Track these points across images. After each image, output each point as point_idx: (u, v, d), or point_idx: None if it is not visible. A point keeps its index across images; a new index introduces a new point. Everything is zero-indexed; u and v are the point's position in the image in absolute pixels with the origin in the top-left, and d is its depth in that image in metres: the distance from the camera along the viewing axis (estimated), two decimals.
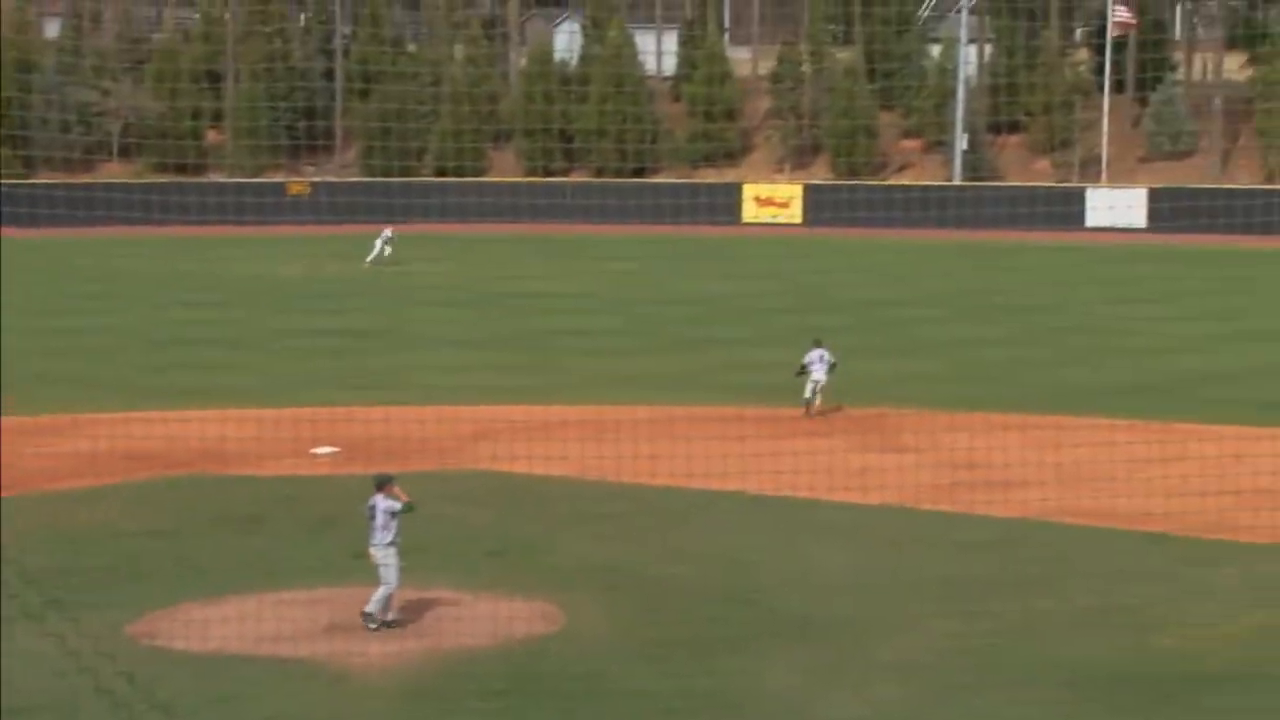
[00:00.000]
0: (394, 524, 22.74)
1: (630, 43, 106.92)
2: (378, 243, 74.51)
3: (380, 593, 22.70)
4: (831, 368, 38.75)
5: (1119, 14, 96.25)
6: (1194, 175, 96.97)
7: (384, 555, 22.71)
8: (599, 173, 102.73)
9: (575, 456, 32.92)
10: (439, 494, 30.82)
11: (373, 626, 22.58)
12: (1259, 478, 30.69)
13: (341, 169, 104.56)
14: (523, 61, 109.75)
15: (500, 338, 52.59)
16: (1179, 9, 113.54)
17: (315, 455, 34.11)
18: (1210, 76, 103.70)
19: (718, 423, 36.89)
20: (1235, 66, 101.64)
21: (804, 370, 38.90)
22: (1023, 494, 30.70)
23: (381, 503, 22.82)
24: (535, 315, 57.93)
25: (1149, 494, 29.61)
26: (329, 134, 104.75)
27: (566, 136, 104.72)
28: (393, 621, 22.79)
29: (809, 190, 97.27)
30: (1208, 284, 68.25)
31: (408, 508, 22.82)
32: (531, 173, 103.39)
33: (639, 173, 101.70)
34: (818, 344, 39.15)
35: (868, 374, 44.22)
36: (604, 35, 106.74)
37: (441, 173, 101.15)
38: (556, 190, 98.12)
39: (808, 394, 38.75)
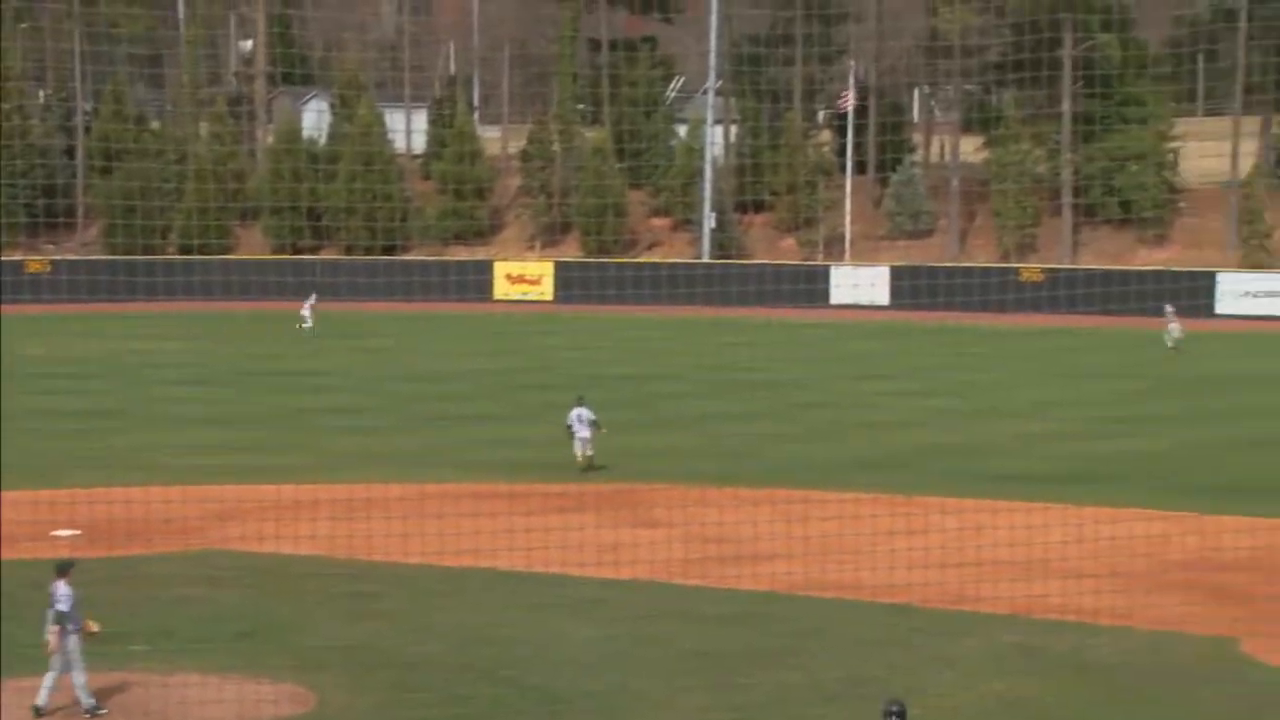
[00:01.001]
0: (70, 612, 22.28)
1: (379, 121, 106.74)
2: (305, 312, 77.33)
3: (47, 680, 22.26)
4: (594, 424, 41.38)
5: (845, 97, 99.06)
6: (933, 254, 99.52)
7: (62, 643, 22.26)
8: (349, 250, 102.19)
9: (325, 535, 32.62)
10: (185, 575, 30.35)
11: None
12: (998, 549, 31.50)
13: (83, 247, 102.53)
14: (270, 139, 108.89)
15: (250, 416, 51.91)
16: (917, 93, 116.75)
17: (56, 538, 33.31)
18: (948, 158, 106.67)
19: (470, 500, 36.84)
20: (971, 149, 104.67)
21: (570, 431, 41.55)
22: (771, 567, 31.13)
23: (60, 590, 22.38)
24: (285, 393, 57.31)
25: (893, 566, 30.23)
26: (70, 211, 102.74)
27: (315, 214, 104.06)
28: (95, 707, 22.29)
29: (560, 267, 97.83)
30: (947, 360, 69.99)
31: (59, 617, 22.27)
32: (279, 250, 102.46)
33: (389, 250, 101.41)
34: (580, 401, 41.91)
35: (619, 449, 44.47)
36: (353, 113, 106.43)
37: (187, 250, 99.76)
38: (305, 268, 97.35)
39: (578, 453, 41.36)
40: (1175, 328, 71.08)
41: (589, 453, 41.41)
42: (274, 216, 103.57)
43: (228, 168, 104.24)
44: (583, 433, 41.31)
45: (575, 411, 41.63)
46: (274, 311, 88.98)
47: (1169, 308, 72.76)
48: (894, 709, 17.89)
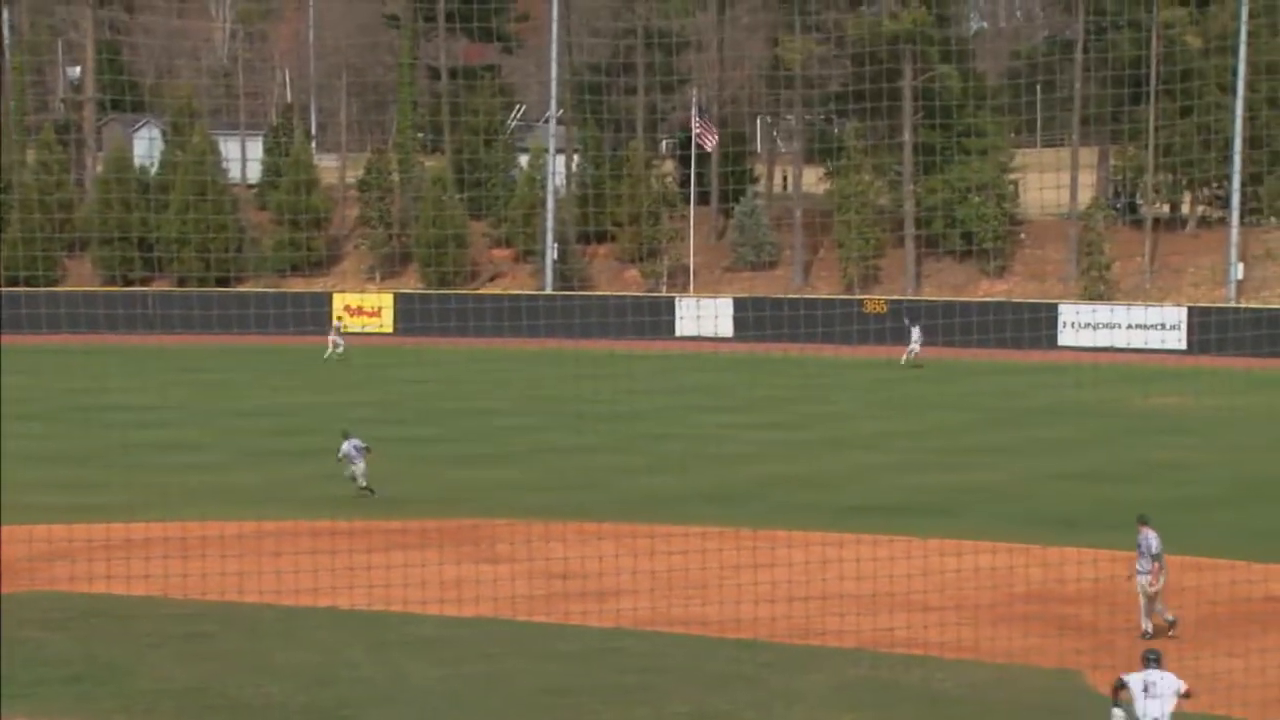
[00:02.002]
0: None
1: (213, 149, 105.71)
2: (336, 337, 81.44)
3: None
4: (366, 450, 43.19)
5: (699, 129, 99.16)
6: (777, 285, 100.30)
7: None
8: (182, 282, 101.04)
9: (160, 575, 32.15)
10: (15, 618, 29.76)
11: None
12: (844, 583, 31.76)
13: None
14: (99, 167, 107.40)
15: (79, 453, 51.10)
16: (759, 122, 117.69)
17: None
18: (790, 189, 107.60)
19: (309, 537, 36.51)
20: (814, 180, 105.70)
21: (347, 462, 43.24)
22: (618, 603, 31.15)
23: None
24: (117, 429, 56.38)
25: (740, 600, 30.36)
26: None
27: (147, 245, 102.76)
28: None
29: (400, 299, 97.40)
30: (792, 391, 70.52)
31: None
32: (110, 282, 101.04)
33: (224, 282, 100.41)
34: (346, 435, 43.61)
35: (462, 483, 44.34)
36: (185, 141, 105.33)
37: (13, 282, 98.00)
38: (137, 300, 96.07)
39: (359, 480, 43.06)
40: (915, 346, 78.01)
41: (362, 483, 42.87)
42: (104, 247, 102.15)
43: (55, 197, 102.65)
44: (358, 463, 42.86)
45: (348, 444, 43.08)
46: (107, 346, 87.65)
47: (915, 328, 79.43)
48: (1151, 655, 21.48)
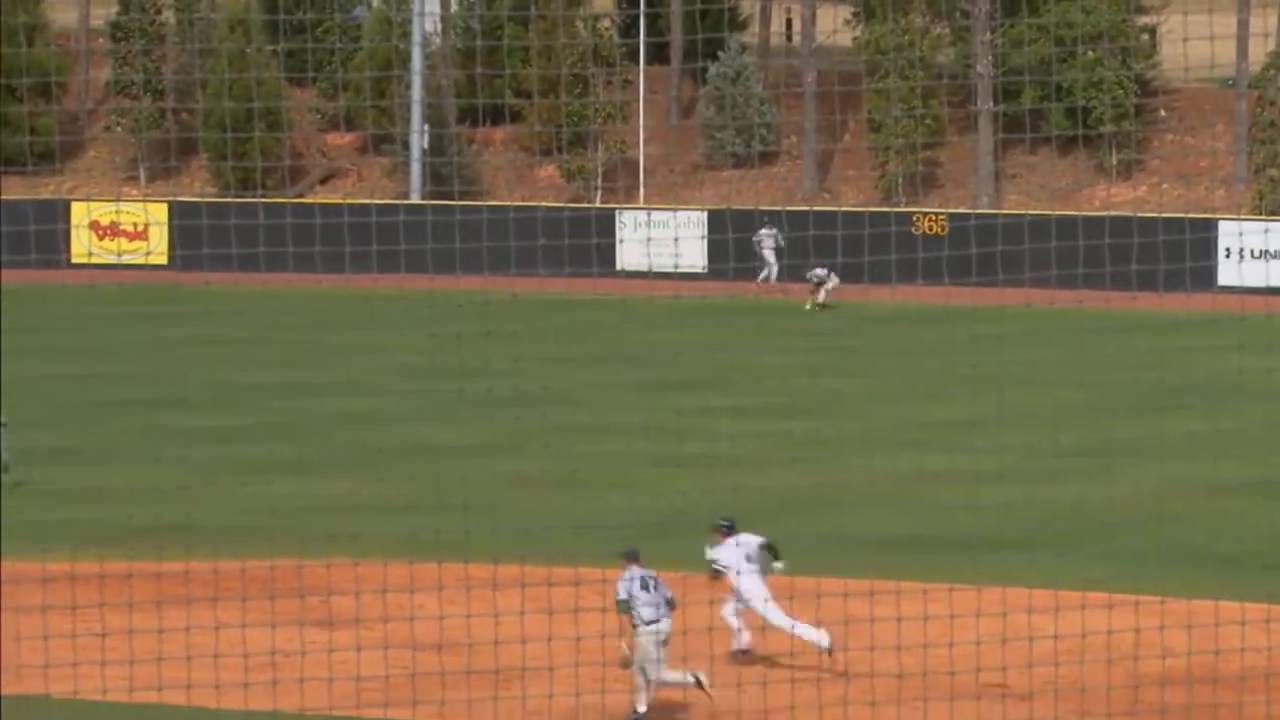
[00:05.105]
0: None
1: None
2: (769, 254, 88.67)
3: None
4: None
5: None
6: (777, 191, 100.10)
7: None
8: None
9: None
10: None
11: None
12: (877, 656, 31.96)
13: None
14: None
15: None
16: None
17: None
18: (797, 40, 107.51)
19: (36, 585, 36.45)
20: (834, 24, 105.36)
21: None
22: (523, 689, 31.25)
23: None
24: None
25: (718, 684, 30.46)
26: None
27: None
28: None
29: (178, 212, 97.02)
30: (796, 357, 70.56)
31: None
32: None
33: None
34: None
35: (277, 502, 44.36)
36: None
37: None
38: None
39: None
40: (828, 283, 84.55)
41: None
42: None
43: None
44: None
45: None
46: None
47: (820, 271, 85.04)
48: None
